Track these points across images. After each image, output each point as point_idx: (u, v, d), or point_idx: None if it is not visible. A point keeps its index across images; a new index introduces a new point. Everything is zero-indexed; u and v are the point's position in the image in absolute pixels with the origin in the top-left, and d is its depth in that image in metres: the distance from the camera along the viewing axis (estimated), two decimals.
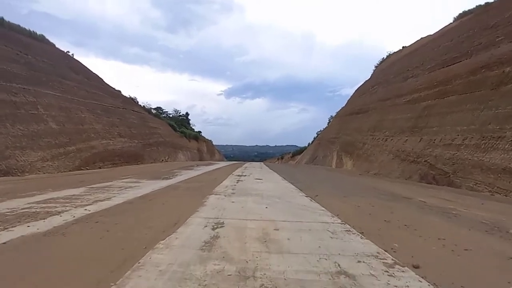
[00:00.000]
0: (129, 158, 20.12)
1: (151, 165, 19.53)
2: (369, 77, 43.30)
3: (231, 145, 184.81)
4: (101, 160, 16.20)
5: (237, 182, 10.23)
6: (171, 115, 56.26)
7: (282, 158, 69.81)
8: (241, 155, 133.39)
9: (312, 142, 56.85)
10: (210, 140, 62.23)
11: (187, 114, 59.14)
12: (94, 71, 32.64)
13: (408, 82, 24.48)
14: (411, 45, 33.92)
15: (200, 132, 55.04)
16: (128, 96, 36.70)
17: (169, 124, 42.31)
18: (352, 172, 20.03)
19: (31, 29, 21.57)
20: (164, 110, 57.07)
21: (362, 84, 42.76)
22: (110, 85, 34.25)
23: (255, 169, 17.55)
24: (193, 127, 57.61)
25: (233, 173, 13.79)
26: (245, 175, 12.57)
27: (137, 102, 38.18)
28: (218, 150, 61.24)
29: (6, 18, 17.31)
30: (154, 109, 55.56)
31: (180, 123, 51.27)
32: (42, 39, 22.98)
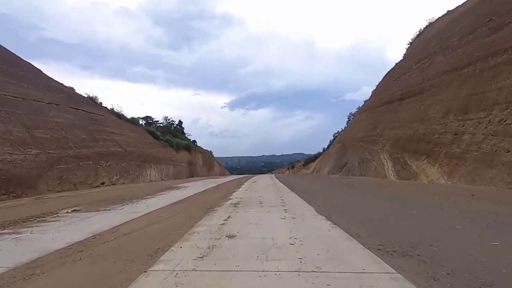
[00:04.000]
0: None
1: None
2: (402, 57, 31.46)
3: (237, 157, 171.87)
4: None
5: None
6: (162, 124, 44.36)
7: (293, 167, 56.75)
8: (248, 166, 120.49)
9: (328, 146, 43.86)
10: (210, 151, 49.73)
11: (180, 122, 47.13)
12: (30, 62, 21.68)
13: (506, 32, 12.95)
14: None
15: (195, 141, 42.70)
16: (86, 95, 24.96)
17: (149, 132, 30.17)
18: None
19: None
20: (154, 120, 45.38)
21: (394, 67, 30.73)
22: (55, 79, 22.90)
23: (264, 213, 4.70)
24: (189, 137, 45.43)
25: None
26: None
27: (98, 102, 26.23)
28: (218, 162, 48.64)
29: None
30: (142, 118, 44.20)
31: (168, 131, 39.12)
32: None
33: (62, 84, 23.12)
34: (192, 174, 31.22)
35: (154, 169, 21.49)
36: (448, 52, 18.77)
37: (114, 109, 27.97)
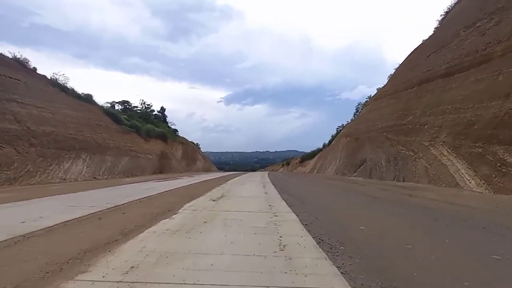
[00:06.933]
0: None
1: None
2: (433, 32, 24.12)
3: (231, 152, 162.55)
4: None
5: None
6: (139, 110, 35.79)
7: (288, 164, 48.83)
8: (241, 161, 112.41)
9: (330, 142, 35.93)
10: (196, 144, 41.42)
11: (162, 109, 38.57)
12: None
13: None
14: None
15: (176, 131, 34.22)
16: (12, 56, 16.56)
17: (108, 113, 21.88)
18: None
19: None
20: (133, 106, 36.65)
21: (422, 43, 23.17)
22: None
23: None
24: (172, 126, 37.03)
25: None
26: None
27: (31, 66, 17.90)
28: (204, 157, 40.31)
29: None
30: (118, 102, 35.65)
31: (144, 117, 30.76)
32: None
33: None
34: (162, 169, 22.99)
35: (85, 160, 13.22)
36: None
37: (58, 80, 19.54)
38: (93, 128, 17.11)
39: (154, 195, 5.89)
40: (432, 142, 12.77)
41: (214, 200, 5.05)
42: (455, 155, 10.98)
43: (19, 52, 16.91)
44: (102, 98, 30.13)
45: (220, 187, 8.03)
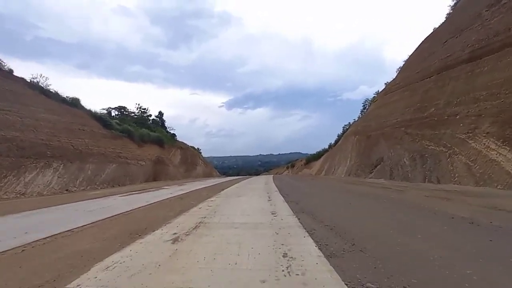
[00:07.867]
0: None
1: None
2: (445, 18, 22.17)
3: (234, 156, 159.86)
4: None
5: None
6: (136, 116, 33.69)
7: (292, 166, 46.28)
8: (245, 165, 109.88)
9: (336, 142, 33.36)
10: (197, 148, 39.16)
11: (160, 114, 36.37)
12: None
13: None
14: None
15: (174, 135, 31.96)
16: None
17: (96, 118, 19.70)
18: None
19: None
20: (130, 111, 34.55)
21: (435, 30, 21.07)
22: None
23: None
24: (170, 131, 34.86)
25: None
26: None
27: (6, 68, 15.82)
28: (205, 161, 37.94)
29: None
30: (114, 108, 33.70)
31: (139, 122, 28.63)
32: None
33: None
34: (157, 176, 20.73)
35: (56, 170, 11.01)
36: None
37: (40, 83, 17.46)
38: (74, 133, 14.97)
39: (78, 227, 3.45)
40: (470, 134, 10.30)
41: (174, 242, 2.67)
42: (508, 148, 8.51)
43: None
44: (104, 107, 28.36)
45: (206, 203, 5.70)
